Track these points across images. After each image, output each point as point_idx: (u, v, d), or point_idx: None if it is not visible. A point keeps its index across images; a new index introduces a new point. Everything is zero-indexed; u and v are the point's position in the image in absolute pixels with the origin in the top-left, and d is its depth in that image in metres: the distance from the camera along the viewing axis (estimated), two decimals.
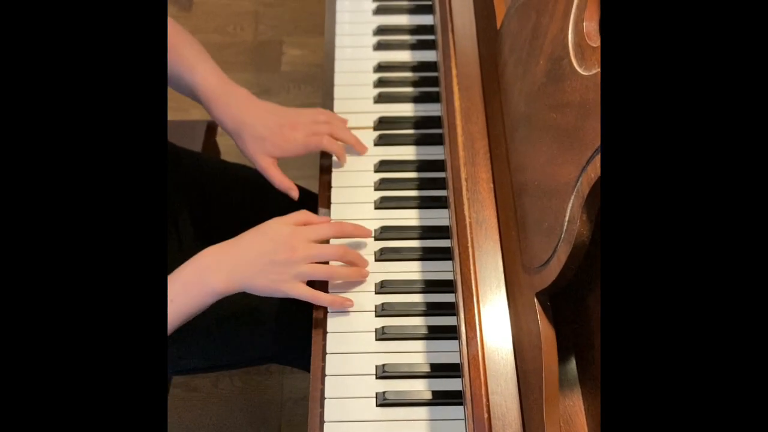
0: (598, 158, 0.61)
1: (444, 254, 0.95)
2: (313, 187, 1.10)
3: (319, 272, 0.88)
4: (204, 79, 0.99)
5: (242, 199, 1.18)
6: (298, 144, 0.99)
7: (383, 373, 0.86)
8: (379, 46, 1.16)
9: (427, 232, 0.97)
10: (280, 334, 1.07)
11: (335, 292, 0.92)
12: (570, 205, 0.65)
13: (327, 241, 0.93)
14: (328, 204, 1.00)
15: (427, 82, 1.12)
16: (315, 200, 1.03)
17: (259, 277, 0.86)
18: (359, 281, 0.92)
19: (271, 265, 0.86)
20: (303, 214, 0.92)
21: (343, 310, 0.90)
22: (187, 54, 1.00)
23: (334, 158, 1.03)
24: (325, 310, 0.91)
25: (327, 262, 0.91)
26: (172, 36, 1.00)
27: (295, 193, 1.00)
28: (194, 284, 0.85)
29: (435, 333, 0.89)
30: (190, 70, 0.99)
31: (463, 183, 0.87)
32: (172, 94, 2.01)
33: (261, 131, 0.98)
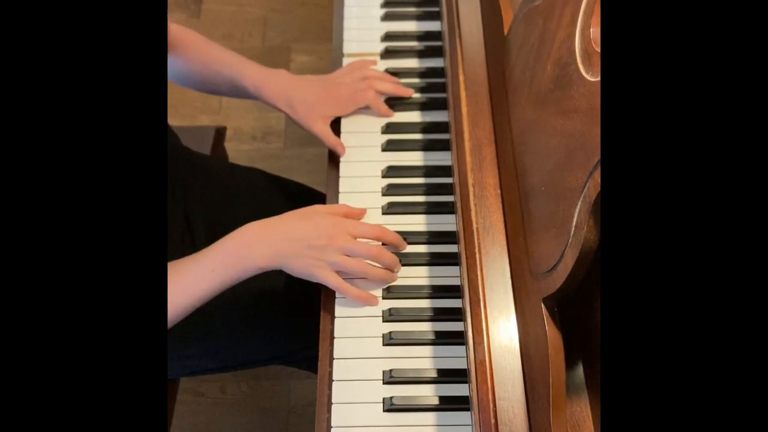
0: None
1: (451, 259, 0.95)
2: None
3: (352, 266, 0.90)
4: (247, 69, 1.08)
5: (250, 200, 1.19)
6: (346, 101, 1.06)
7: (390, 378, 0.86)
8: (387, 53, 1.16)
9: (434, 237, 0.97)
10: (290, 334, 1.07)
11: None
12: (577, 210, 0.65)
13: None
14: None
15: (434, 89, 1.12)
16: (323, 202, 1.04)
17: (297, 259, 0.89)
18: (382, 283, 0.93)
19: (309, 249, 0.88)
20: (345, 207, 0.96)
21: (369, 305, 0.91)
22: (224, 56, 1.09)
23: (342, 162, 1.04)
24: (332, 316, 0.91)
25: None
26: (206, 46, 1.09)
27: (342, 151, 1.05)
28: (236, 257, 0.88)
29: (442, 338, 0.89)
30: (229, 67, 1.08)
31: (471, 188, 0.87)
32: (183, 101, 2.01)
33: (310, 98, 1.05)
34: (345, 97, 1.06)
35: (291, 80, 1.07)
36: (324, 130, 1.05)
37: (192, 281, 0.88)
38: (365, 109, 1.09)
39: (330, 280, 0.89)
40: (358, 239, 0.91)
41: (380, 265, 0.92)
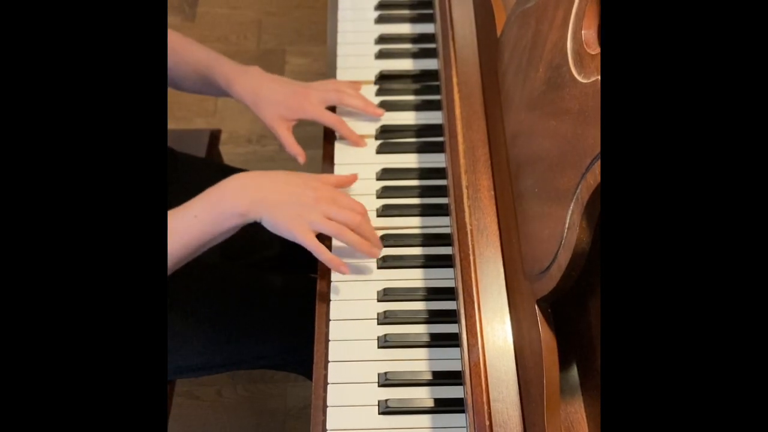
0: (597, 165, 0.61)
1: (446, 262, 0.95)
2: None
3: (330, 227, 0.90)
4: (219, 65, 1.07)
5: None
6: (313, 107, 1.05)
7: (386, 380, 0.86)
8: (381, 55, 1.16)
9: (428, 239, 0.97)
10: (280, 337, 1.07)
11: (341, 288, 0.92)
12: (570, 212, 0.65)
13: None
14: None
15: (428, 91, 1.12)
16: None
17: (279, 209, 0.89)
18: (366, 257, 0.94)
19: (293, 204, 0.89)
20: (336, 176, 0.98)
21: (337, 270, 0.92)
22: (197, 53, 1.09)
23: (336, 165, 1.04)
24: (327, 318, 0.91)
25: None
26: (180, 44, 1.08)
27: (302, 159, 1.06)
28: (219, 202, 0.89)
29: (437, 341, 0.89)
30: (205, 64, 1.08)
31: (464, 190, 0.87)
32: (179, 104, 2.01)
33: (276, 96, 1.05)
34: (313, 103, 1.05)
35: (262, 78, 1.07)
36: (284, 132, 1.05)
37: (177, 227, 0.88)
38: (359, 112, 1.09)
39: (306, 239, 0.89)
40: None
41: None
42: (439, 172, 1.03)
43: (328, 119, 1.06)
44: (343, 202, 0.93)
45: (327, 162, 1.06)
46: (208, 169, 1.22)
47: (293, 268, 1.20)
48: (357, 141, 1.06)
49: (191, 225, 0.88)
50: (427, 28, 1.20)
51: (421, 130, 1.08)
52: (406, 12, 1.22)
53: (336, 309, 0.92)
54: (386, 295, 0.93)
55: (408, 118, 1.10)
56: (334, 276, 0.94)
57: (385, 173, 1.04)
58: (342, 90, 1.08)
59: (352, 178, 0.99)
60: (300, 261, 1.17)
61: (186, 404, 1.58)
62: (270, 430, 1.57)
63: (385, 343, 0.89)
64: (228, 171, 1.24)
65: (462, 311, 0.81)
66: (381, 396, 0.85)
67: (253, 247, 1.19)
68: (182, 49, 1.08)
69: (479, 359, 0.76)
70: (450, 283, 0.93)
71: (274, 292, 1.11)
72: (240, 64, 1.09)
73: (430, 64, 1.15)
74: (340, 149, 1.06)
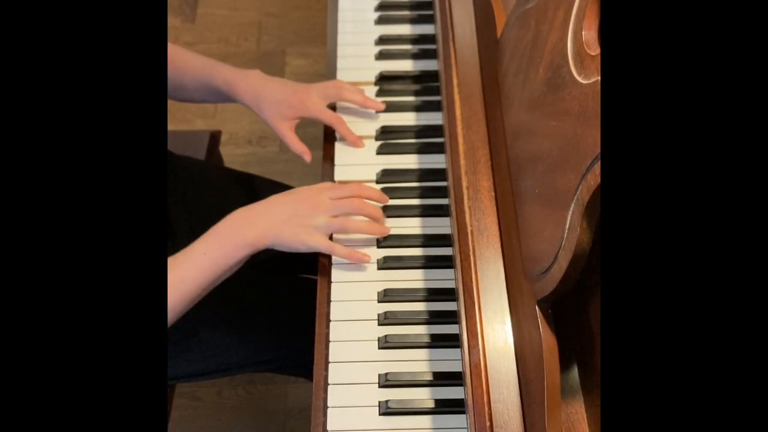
0: (597, 166, 0.61)
1: (446, 262, 0.95)
2: None
3: (335, 224, 0.93)
4: (219, 70, 1.08)
5: (241, 203, 1.18)
6: (315, 104, 1.06)
7: (386, 381, 0.86)
8: (381, 56, 1.16)
9: (429, 240, 0.97)
10: (280, 340, 1.07)
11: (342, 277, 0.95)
12: (570, 212, 0.65)
13: None
14: None
15: (428, 92, 1.12)
16: None
17: (285, 230, 0.91)
18: (374, 236, 0.96)
19: (295, 218, 0.91)
20: (328, 183, 0.98)
21: (360, 263, 0.94)
22: (193, 61, 1.09)
23: (337, 165, 1.04)
24: (327, 319, 0.91)
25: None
26: (177, 55, 1.09)
27: (308, 157, 1.06)
28: (228, 237, 0.90)
29: (438, 341, 0.89)
30: (204, 72, 1.08)
31: (465, 191, 0.87)
32: (179, 106, 2.01)
33: (277, 96, 1.06)
34: (313, 100, 1.06)
35: (263, 79, 1.08)
36: (287, 132, 1.06)
37: (187, 270, 0.88)
38: (359, 112, 1.10)
39: (318, 242, 0.92)
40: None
41: (365, 219, 0.95)
42: (439, 173, 1.03)
43: (328, 117, 1.06)
44: (337, 192, 0.94)
45: (327, 162, 1.06)
46: (208, 173, 1.21)
47: (293, 271, 1.20)
48: (355, 141, 1.06)
49: (202, 263, 0.89)
50: (428, 29, 1.20)
51: (422, 131, 1.08)
52: (406, 13, 1.22)
53: (336, 310, 0.92)
54: (387, 296, 0.93)
55: (408, 119, 1.10)
56: (335, 277, 0.94)
57: (386, 174, 1.04)
58: (342, 86, 1.08)
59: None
60: (300, 263, 1.18)
61: (186, 405, 1.58)
62: (270, 431, 1.57)
63: (385, 343, 0.89)
64: (228, 174, 1.24)
65: (462, 312, 0.81)
66: (381, 397, 0.85)
67: None
68: (179, 60, 1.08)
69: (480, 360, 0.76)
70: (450, 284, 0.93)
71: (275, 295, 1.11)
72: (238, 68, 1.09)
73: (431, 65, 1.15)
74: (340, 150, 1.07)
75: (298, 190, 0.96)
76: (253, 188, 1.22)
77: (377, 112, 1.09)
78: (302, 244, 0.91)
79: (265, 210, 0.93)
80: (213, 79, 1.07)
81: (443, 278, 0.94)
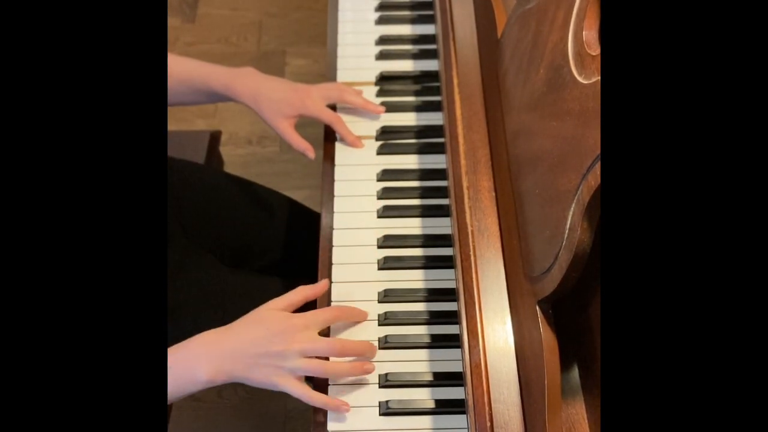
0: (598, 166, 0.61)
1: (446, 263, 0.95)
2: (316, 199, 1.11)
3: (313, 368, 0.82)
4: (214, 73, 1.08)
5: (239, 209, 1.18)
6: (314, 103, 1.06)
7: (386, 382, 0.86)
8: (381, 56, 1.17)
9: (429, 240, 0.97)
10: None
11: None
12: (571, 212, 0.65)
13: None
14: (330, 210, 1.01)
15: (428, 92, 1.12)
16: (315, 217, 1.03)
17: (254, 370, 0.81)
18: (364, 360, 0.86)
19: (266, 357, 0.81)
20: (300, 294, 0.87)
21: (338, 411, 0.84)
22: (190, 67, 1.08)
23: (337, 165, 1.04)
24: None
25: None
26: (171, 62, 1.08)
27: (311, 154, 1.06)
28: (181, 369, 0.81)
29: (438, 342, 0.89)
30: (200, 78, 1.07)
31: (465, 191, 0.87)
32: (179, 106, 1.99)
33: (276, 94, 1.05)
34: (313, 99, 1.06)
35: (260, 78, 1.08)
36: (287, 130, 1.06)
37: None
38: (359, 112, 1.10)
39: (294, 389, 0.82)
40: (318, 333, 0.84)
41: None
42: (439, 173, 1.03)
43: (328, 116, 1.06)
44: (312, 324, 0.84)
45: (327, 162, 1.06)
46: (202, 176, 1.20)
47: (293, 274, 1.20)
48: (354, 141, 1.06)
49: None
50: (428, 29, 1.20)
51: (422, 131, 1.08)
52: (406, 13, 1.22)
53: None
54: (387, 296, 0.93)
55: (408, 119, 1.10)
56: (335, 277, 0.94)
57: (386, 174, 1.04)
58: (343, 88, 1.08)
59: (323, 287, 0.90)
60: (299, 266, 1.17)
61: (186, 406, 1.58)
62: (270, 431, 1.57)
63: (385, 343, 0.89)
64: (223, 178, 1.23)
65: (463, 312, 0.81)
66: (382, 397, 0.85)
67: (252, 255, 1.19)
68: (173, 67, 1.08)
69: (480, 360, 0.76)
70: (451, 284, 0.93)
71: (274, 297, 1.10)
72: (233, 68, 1.09)
73: (431, 65, 1.15)
74: (340, 150, 1.07)
75: (268, 315, 0.84)
76: (248, 193, 1.21)
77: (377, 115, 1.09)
78: (275, 387, 0.82)
79: (228, 344, 0.82)
80: (209, 83, 1.07)
81: (443, 278, 0.94)
